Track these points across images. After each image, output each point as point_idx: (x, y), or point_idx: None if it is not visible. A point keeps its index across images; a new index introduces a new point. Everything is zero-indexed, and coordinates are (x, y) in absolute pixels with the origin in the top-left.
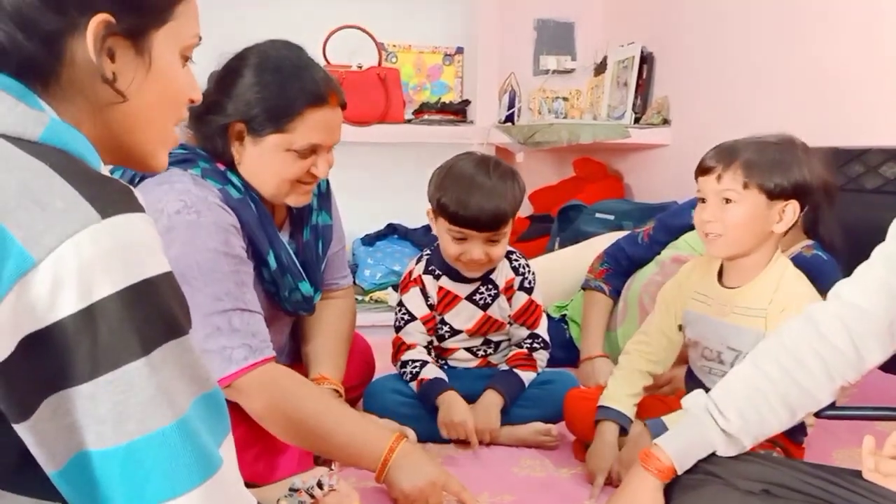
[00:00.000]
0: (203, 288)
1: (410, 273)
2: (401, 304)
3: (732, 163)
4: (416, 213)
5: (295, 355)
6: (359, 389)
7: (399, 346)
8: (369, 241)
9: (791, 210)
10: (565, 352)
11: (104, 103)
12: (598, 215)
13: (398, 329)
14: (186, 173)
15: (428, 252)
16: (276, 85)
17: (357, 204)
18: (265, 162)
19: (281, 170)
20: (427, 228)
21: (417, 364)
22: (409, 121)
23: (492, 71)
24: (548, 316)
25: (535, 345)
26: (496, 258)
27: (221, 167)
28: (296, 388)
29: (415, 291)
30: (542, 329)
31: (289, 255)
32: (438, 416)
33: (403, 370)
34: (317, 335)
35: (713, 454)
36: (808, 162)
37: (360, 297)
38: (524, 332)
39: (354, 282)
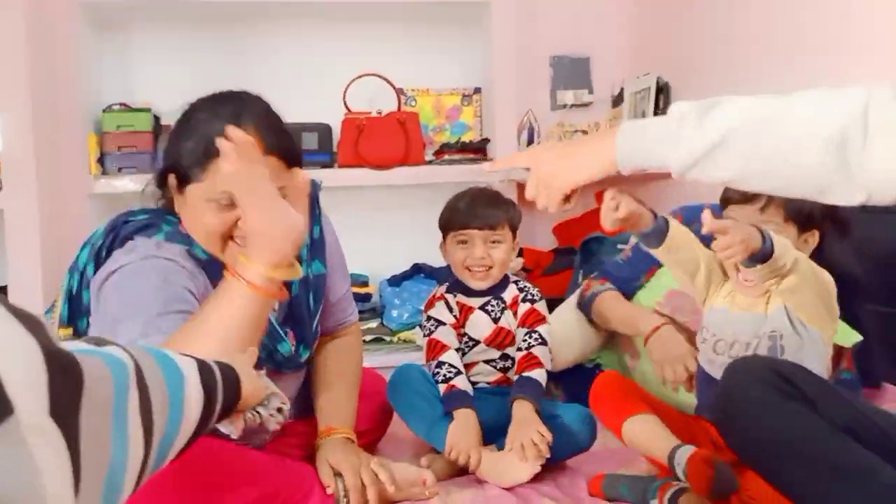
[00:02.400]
0: (129, 323)
1: (434, 294)
2: (429, 317)
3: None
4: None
5: (305, 404)
6: (375, 433)
7: (434, 346)
8: (395, 281)
9: (813, 239)
10: None
11: None
12: (620, 246)
13: (429, 334)
14: (150, 240)
15: (448, 282)
16: (194, 132)
17: (382, 245)
18: (192, 214)
19: (205, 222)
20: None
21: (453, 370)
22: (429, 162)
23: (509, 109)
24: (580, 367)
25: (531, 342)
26: (498, 261)
27: (183, 231)
28: None
29: (440, 305)
30: (542, 329)
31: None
32: (449, 428)
33: (438, 370)
34: (323, 384)
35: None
36: None
37: (387, 338)
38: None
39: (382, 322)
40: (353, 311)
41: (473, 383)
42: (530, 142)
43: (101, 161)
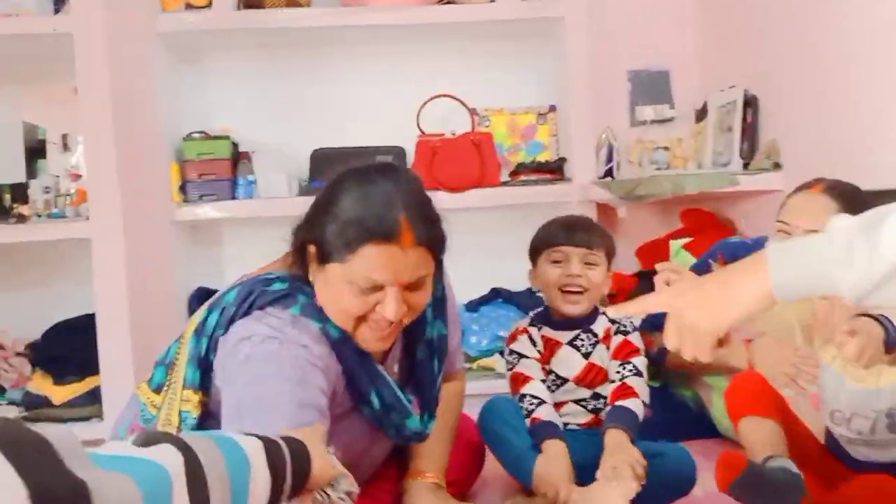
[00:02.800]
0: (251, 427)
1: (517, 328)
2: (511, 351)
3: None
4: (520, 275)
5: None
6: (466, 484)
7: (517, 378)
8: (473, 306)
9: None
10: (676, 414)
11: None
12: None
13: (512, 367)
14: (286, 312)
15: (533, 314)
16: (342, 214)
17: (458, 270)
18: (330, 292)
19: (343, 302)
20: (531, 291)
21: (535, 402)
22: (505, 183)
23: (586, 126)
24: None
25: (625, 373)
26: (594, 284)
27: (318, 305)
28: None
29: (523, 339)
30: (637, 361)
31: (393, 392)
32: (536, 463)
33: (521, 404)
34: None
35: None
36: None
37: (466, 365)
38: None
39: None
40: (461, 360)
41: (562, 424)
42: (609, 160)
43: (182, 189)
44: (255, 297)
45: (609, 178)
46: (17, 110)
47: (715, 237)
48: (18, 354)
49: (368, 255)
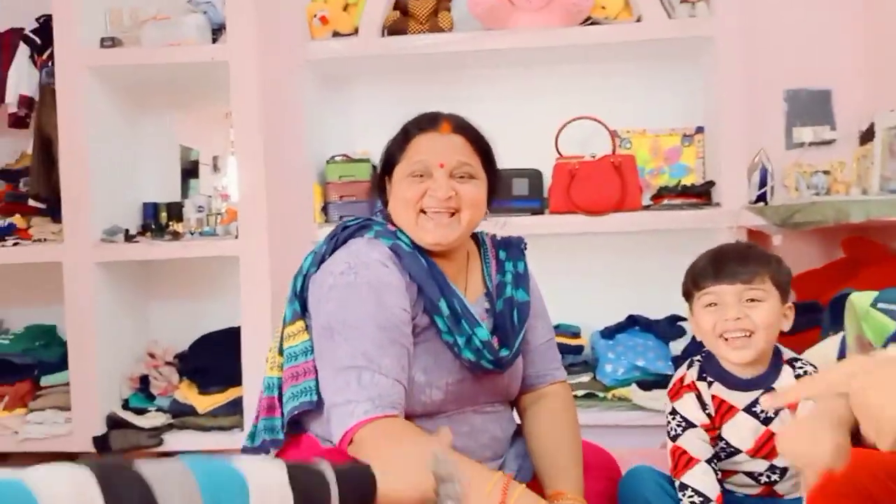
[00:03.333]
0: (343, 343)
1: (682, 379)
2: (674, 411)
3: None
4: (660, 303)
5: (524, 468)
6: None
7: (679, 458)
8: (609, 334)
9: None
10: None
11: None
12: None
13: (675, 438)
14: (363, 238)
15: (699, 357)
16: (401, 128)
17: (595, 295)
18: (394, 199)
19: (402, 198)
20: (671, 320)
21: (699, 500)
22: (647, 207)
23: (738, 148)
24: None
25: None
26: (760, 324)
27: (393, 228)
28: (408, 433)
29: (689, 398)
30: None
31: (463, 304)
32: None
33: (682, 493)
34: (543, 447)
35: None
36: None
37: (600, 394)
38: None
39: (594, 377)
40: (560, 368)
41: (728, 491)
42: (762, 184)
43: (324, 210)
44: (338, 234)
45: (762, 204)
46: (174, 134)
47: (885, 272)
48: (168, 364)
49: (416, 143)
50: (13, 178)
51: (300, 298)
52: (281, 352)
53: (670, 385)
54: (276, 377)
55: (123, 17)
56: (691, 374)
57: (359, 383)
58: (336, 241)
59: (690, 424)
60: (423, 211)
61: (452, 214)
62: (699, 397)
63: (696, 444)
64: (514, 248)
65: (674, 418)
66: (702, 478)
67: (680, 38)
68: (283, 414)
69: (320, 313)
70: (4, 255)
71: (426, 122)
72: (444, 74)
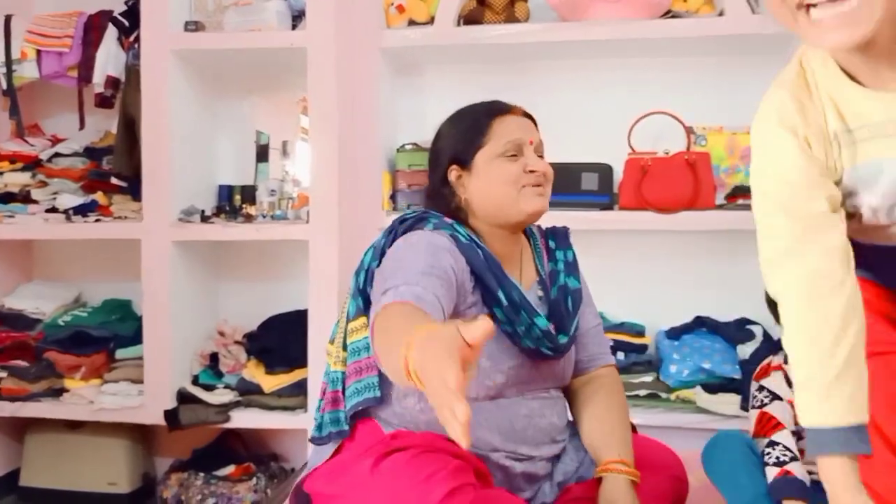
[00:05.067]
0: (389, 277)
1: (770, 362)
2: (761, 387)
3: None
4: (728, 305)
5: (579, 462)
6: None
7: (767, 421)
8: (675, 334)
9: None
10: None
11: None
12: None
13: (761, 406)
14: (423, 230)
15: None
16: (466, 118)
17: (662, 294)
18: (486, 181)
19: (501, 176)
20: (740, 323)
21: (788, 454)
22: (720, 206)
23: None
24: None
25: None
26: None
27: (449, 220)
28: (401, 307)
29: (777, 375)
30: None
31: (521, 295)
32: None
33: (769, 450)
34: (591, 417)
35: None
36: None
37: (663, 395)
38: None
39: (658, 377)
40: (608, 352)
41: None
42: None
43: (392, 197)
44: (395, 228)
45: None
46: (249, 118)
47: None
48: (237, 343)
49: (500, 124)
50: (97, 156)
51: (363, 294)
52: (345, 347)
53: (757, 370)
54: (340, 371)
55: (208, 1)
56: (777, 359)
57: (396, 291)
58: (395, 234)
59: (777, 397)
60: (523, 186)
61: (543, 188)
62: (786, 377)
63: (783, 414)
64: (561, 236)
65: (760, 392)
66: (789, 437)
67: (763, 34)
68: (346, 407)
69: (376, 283)
70: (86, 230)
71: (499, 108)
72: (518, 65)
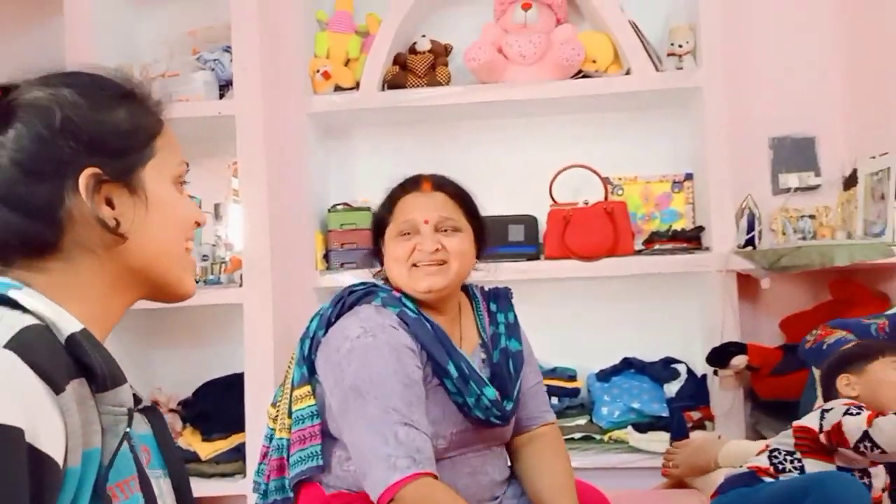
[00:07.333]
0: (374, 401)
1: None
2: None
3: None
4: (653, 346)
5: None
6: None
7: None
8: (604, 376)
9: None
10: None
11: (113, 249)
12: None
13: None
14: (371, 305)
15: None
16: (386, 195)
17: (590, 339)
18: (390, 258)
19: (394, 255)
20: (665, 362)
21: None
22: (639, 251)
23: (726, 194)
24: None
25: None
26: None
27: (397, 294)
28: (448, 497)
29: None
30: None
31: (470, 366)
32: None
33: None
34: (537, 475)
35: None
36: None
37: (597, 436)
38: None
39: (591, 420)
40: (549, 410)
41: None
42: (750, 229)
43: (325, 257)
44: (344, 299)
45: (750, 248)
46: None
47: (869, 312)
48: (171, 411)
49: (402, 205)
50: None
51: (307, 361)
52: (289, 414)
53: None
54: (285, 438)
55: (134, 73)
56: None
57: (396, 438)
58: (343, 305)
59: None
60: (414, 265)
61: (441, 265)
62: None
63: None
64: (502, 298)
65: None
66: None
67: (668, 89)
68: (290, 474)
69: (344, 376)
70: None
71: (409, 184)
72: (441, 125)
